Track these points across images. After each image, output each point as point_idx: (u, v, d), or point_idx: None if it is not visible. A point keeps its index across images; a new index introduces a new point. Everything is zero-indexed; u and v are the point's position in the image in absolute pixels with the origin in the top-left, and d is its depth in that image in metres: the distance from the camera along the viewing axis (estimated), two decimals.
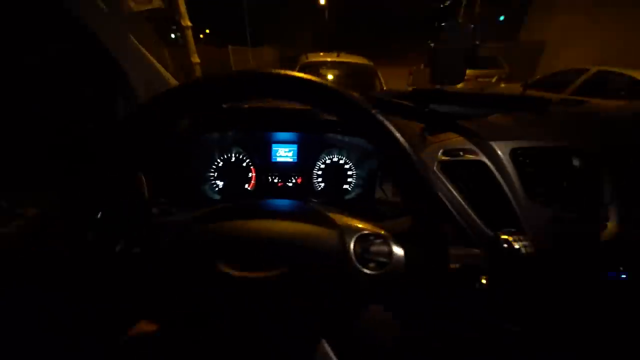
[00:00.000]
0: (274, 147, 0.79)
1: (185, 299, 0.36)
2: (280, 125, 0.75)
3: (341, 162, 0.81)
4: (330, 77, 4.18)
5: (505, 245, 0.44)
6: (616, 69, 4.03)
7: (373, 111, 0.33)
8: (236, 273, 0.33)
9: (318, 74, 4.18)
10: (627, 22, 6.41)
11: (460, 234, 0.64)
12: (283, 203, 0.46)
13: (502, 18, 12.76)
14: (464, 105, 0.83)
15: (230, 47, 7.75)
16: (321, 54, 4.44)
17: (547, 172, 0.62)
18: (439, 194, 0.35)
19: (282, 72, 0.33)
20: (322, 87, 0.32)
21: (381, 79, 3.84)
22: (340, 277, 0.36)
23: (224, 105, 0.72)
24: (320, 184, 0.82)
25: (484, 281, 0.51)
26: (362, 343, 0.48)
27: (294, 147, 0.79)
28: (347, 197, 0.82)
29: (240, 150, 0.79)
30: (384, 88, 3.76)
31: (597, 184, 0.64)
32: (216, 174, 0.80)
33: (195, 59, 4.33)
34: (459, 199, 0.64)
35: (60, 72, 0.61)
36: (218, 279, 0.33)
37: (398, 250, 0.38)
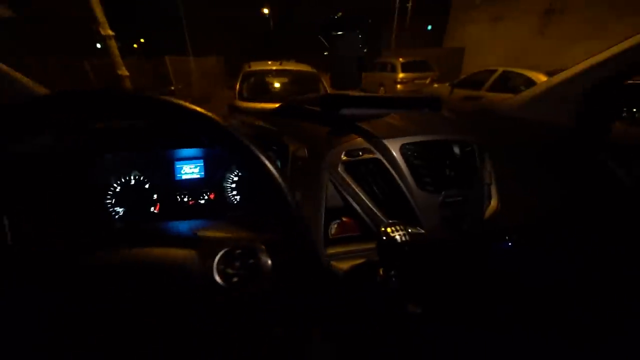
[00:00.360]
0: (177, 164, 0.74)
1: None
2: (184, 142, 0.71)
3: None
4: (277, 85, 4.18)
5: (384, 238, 0.47)
6: (516, 70, 4.88)
7: (224, 125, 0.34)
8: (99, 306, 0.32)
9: (263, 83, 4.15)
10: (523, 30, 7.81)
11: (368, 230, 0.67)
12: (157, 228, 0.44)
13: (429, 27, 14.39)
14: (369, 107, 0.89)
15: (167, 58, 7.23)
16: (264, 62, 4.43)
17: (433, 163, 0.69)
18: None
19: (147, 95, 0.32)
20: (189, 112, 0.33)
21: (325, 85, 3.97)
22: (204, 297, 0.35)
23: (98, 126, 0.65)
24: (235, 197, 0.79)
25: (381, 272, 0.54)
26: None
27: (200, 163, 0.75)
28: (264, 208, 0.80)
29: (137, 172, 0.72)
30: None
31: (475, 168, 0.73)
32: (113, 200, 0.72)
33: (123, 71, 3.93)
34: (362, 196, 0.67)
35: None
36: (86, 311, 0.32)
37: (266, 261, 0.37)
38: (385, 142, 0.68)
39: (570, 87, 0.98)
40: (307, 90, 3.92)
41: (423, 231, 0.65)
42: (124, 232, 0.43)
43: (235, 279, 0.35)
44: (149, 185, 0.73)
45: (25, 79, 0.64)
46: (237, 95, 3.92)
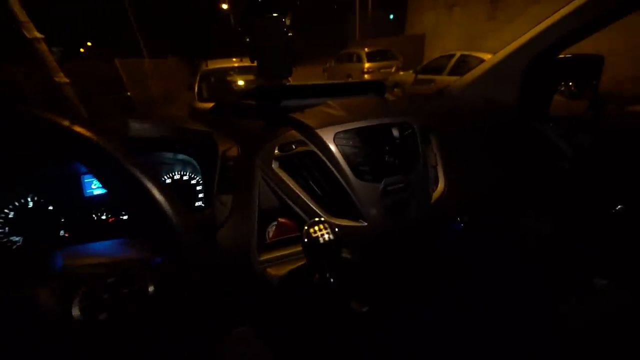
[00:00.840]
0: (85, 179, 0.63)
1: None
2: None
3: (185, 178, 0.71)
4: (239, 82, 3.99)
5: (306, 240, 0.43)
6: (473, 53, 5.10)
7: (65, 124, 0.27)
8: None
9: (222, 81, 3.94)
10: (473, 18, 8.19)
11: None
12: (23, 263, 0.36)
13: (391, 17, 14.62)
14: (310, 97, 0.84)
15: (117, 60, 6.61)
16: (223, 60, 4.20)
17: (370, 150, 0.65)
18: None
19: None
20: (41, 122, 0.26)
21: (289, 79, 3.86)
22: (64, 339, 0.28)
23: None
24: None
25: (317, 275, 0.49)
26: None
27: None
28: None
29: (36, 192, 0.61)
30: None
31: (417, 151, 0.70)
32: (7, 228, 0.60)
33: (61, 78, 3.52)
34: (299, 193, 0.62)
35: None
36: None
37: (146, 287, 0.31)
38: (319, 132, 0.63)
39: (509, 64, 1.00)
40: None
41: (365, 224, 0.62)
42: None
43: (102, 316, 0.29)
44: (53, 207, 0.62)
45: None
46: (196, 96, 3.70)
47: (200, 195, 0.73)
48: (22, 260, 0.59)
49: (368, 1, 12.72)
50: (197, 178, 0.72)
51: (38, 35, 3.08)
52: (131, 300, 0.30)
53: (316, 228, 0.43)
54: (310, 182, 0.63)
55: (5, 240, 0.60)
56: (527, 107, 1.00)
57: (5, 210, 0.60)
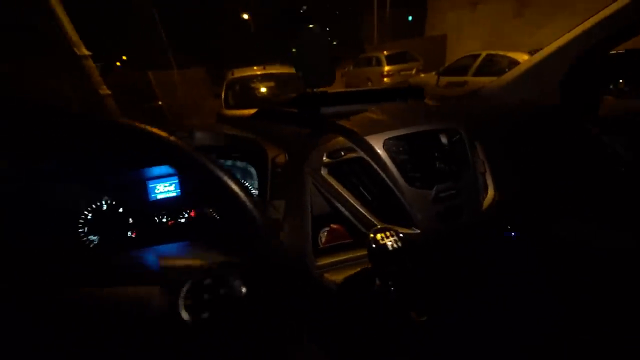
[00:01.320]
0: (150, 184, 0.69)
1: None
2: (152, 160, 0.66)
3: (245, 184, 0.75)
4: (263, 89, 4.13)
5: (374, 245, 0.44)
6: (500, 52, 4.88)
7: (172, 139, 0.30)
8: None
9: (248, 89, 4.09)
10: (499, 15, 7.85)
11: (360, 235, 0.63)
12: (122, 263, 0.39)
13: (410, 18, 14.41)
14: (350, 103, 0.85)
15: (150, 73, 7.13)
16: (248, 68, 4.37)
17: (420, 156, 0.65)
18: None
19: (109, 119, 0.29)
20: (137, 132, 0.29)
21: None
22: (171, 338, 0.31)
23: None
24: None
25: (377, 282, 0.50)
26: None
27: (175, 180, 0.70)
28: None
29: (107, 197, 0.67)
30: None
31: (466, 157, 0.69)
32: (86, 228, 0.67)
33: (104, 90, 3.85)
34: (349, 199, 0.63)
35: None
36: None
37: (239, 289, 0.33)
38: (367, 138, 0.64)
39: (553, 63, 0.95)
40: (294, 92, 3.87)
41: (418, 231, 0.61)
42: (91, 267, 0.38)
43: (205, 315, 0.31)
44: (122, 210, 0.69)
45: None
46: (223, 104, 3.87)
47: None
48: (99, 258, 0.66)
49: (386, 2, 12.65)
50: (254, 184, 0.75)
51: (87, 52, 3.40)
52: (227, 301, 0.33)
53: (384, 235, 0.44)
54: (360, 188, 0.64)
55: (85, 239, 0.67)
56: (574, 108, 0.94)
57: (85, 212, 0.67)
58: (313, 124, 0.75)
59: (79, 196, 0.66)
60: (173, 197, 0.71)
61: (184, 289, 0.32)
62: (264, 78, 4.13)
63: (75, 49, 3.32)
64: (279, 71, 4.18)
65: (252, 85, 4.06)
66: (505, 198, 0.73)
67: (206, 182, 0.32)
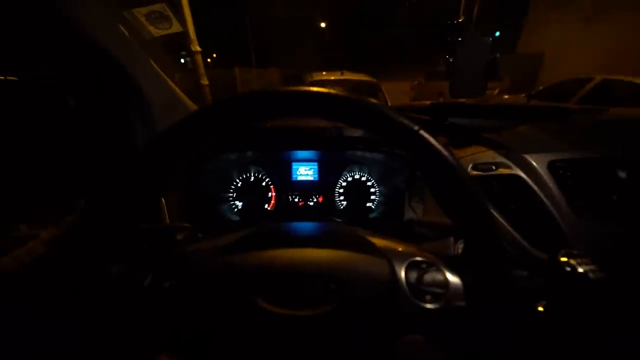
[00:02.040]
0: (294, 165, 0.77)
1: (222, 336, 0.32)
2: (301, 143, 0.74)
3: (363, 179, 0.78)
4: None
5: (568, 269, 0.40)
6: (620, 77, 4.05)
7: (416, 128, 0.31)
8: (280, 310, 0.30)
9: None
10: (620, 33, 6.52)
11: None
12: (315, 226, 0.43)
13: (497, 34, 13.14)
14: (484, 117, 0.81)
15: (237, 68, 8.08)
16: (325, 72, 4.57)
17: (591, 184, 0.58)
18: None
19: (311, 89, 0.31)
20: (365, 105, 0.31)
21: (385, 94, 3.90)
22: (393, 312, 0.32)
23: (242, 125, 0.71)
24: (342, 202, 0.79)
25: (540, 308, 0.46)
26: None
27: (315, 165, 0.77)
28: (372, 215, 0.78)
29: (260, 169, 0.77)
30: (388, 103, 3.82)
31: None
32: (235, 194, 0.78)
33: (205, 81, 4.49)
34: (496, 214, 0.60)
35: (81, 98, 0.61)
36: (258, 315, 0.30)
37: (453, 279, 0.34)
38: (528, 157, 0.60)
39: None
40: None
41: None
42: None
43: (428, 297, 0.32)
44: (266, 183, 0.78)
45: (180, 92, 0.73)
46: None
47: (373, 198, 0.79)
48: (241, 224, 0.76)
49: (471, 16, 11.79)
50: (373, 181, 0.78)
51: (199, 49, 4.03)
52: (446, 288, 0.33)
53: (578, 260, 0.40)
54: (510, 207, 0.61)
55: (231, 202, 0.78)
56: None
57: (237, 180, 0.78)
58: (452, 133, 0.74)
59: (234, 164, 0.77)
60: (310, 181, 0.77)
61: (405, 265, 0.34)
62: (340, 83, 4.26)
63: (191, 46, 3.96)
64: (355, 78, 4.26)
65: (329, 89, 4.20)
66: None
67: (441, 173, 0.31)
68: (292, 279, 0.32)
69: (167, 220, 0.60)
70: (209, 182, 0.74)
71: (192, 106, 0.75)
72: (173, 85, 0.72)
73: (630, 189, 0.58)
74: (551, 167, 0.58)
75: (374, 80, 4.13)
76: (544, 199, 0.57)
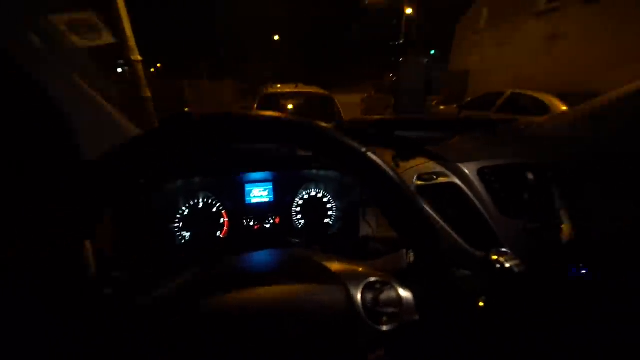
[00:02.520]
0: (248, 187, 0.73)
1: None
2: (253, 164, 0.71)
3: (319, 196, 0.79)
4: (290, 107, 4.31)
5: (498, 265, 0.45)
6: (524, 91, 4.99)
7: (364, 150, 0.32)
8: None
9: (279, 105, 4.28)
10: (524, 55, 8.08)
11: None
12: (267, 258, 0.41)
13: (433, 52, 15.03)
14: (425, 130, 0.90)
15: (185, 81, 7.61)
16: (279, 85, 4.60)
17: (512, 187, 0.67)
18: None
19: (260, 114, 0.31)
20: (314, 129, 0.31)
21: (338, 107, 4.08)
22: (352, 339, 0.32)
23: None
24: (299, 221, 0.77)
25: (481, 303, 0.50)
26: None
27: (269, 186, 0.75)
28: (330, 232, 0.79)
29: (209, 194, 0.71)
30: (342, 115, 4.00)
31: (550, 193, 0.71)
32: (181, 224, 0.70)
33: (146, 93, 4.10)
34: (439, 221, 0.65)
35: None
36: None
37: (406, 294, 0.35)
38: (461, 165, 0.67)
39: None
40: (321, 112, 4.03)
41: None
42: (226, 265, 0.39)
43: (384, 318, 0.33)
44: (217, 208, 0.72)
45: (112, 108, 0.65)
46: None
47: (330, 214, 0.79)
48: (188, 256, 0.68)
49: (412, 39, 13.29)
50: (329, 197, 0.79)
51: (139, 58, 3.69)
52: (399, 306, 0.34)
53: (505, 257, 0.45)
54: (449, 212, 0.67)
55: (178, 234, 0.71)
56: None
57: (183, 208, 0.71)
58: (399, 146, 0.79)
59: (180, 193, 0.70)
60: (265, 202, 0.74)
61: (361, 287, 0.34)
62: (294, 96, 4.33)
63: (130, 55, 3.61)
64: (309, 90, 4.37)
65: (284, 102, 4.26)
66: (582, 236, 0.73)
67: (389, 188, 0.32)
68: (247, 322, 0.30)
69: (93, 266, 0.50)
70: (149, 215, 0.66)
71: (130, 127, 0.66)
72: (105, 103, 0.63)
73: (536, 188, 0.69)
74: (480, 173, 0.66)
75: (327, 93, 4.29)
76: (476, 203, 0.65)
